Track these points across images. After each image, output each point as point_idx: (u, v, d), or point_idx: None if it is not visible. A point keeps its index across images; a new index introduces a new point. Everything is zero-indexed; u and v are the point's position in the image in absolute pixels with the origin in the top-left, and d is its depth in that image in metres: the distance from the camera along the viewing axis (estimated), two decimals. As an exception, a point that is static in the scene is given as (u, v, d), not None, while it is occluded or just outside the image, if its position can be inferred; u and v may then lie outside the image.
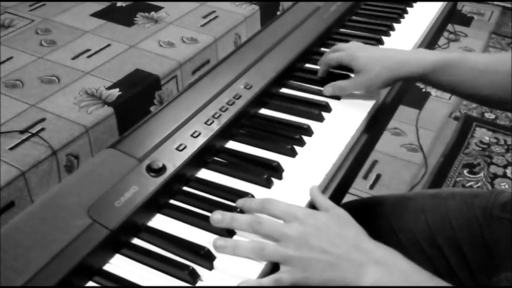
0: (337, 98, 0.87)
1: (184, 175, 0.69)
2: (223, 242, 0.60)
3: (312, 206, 0.66)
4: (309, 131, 0.79)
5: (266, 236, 0.60)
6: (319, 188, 0.68)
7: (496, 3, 2.93)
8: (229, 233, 0.62)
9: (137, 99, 1.50)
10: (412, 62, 0.81)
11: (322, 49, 1.01)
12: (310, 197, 0.67)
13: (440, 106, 2.19)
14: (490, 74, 0.78)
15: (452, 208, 0.86)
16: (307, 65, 0.96)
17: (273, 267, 0.59)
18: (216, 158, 0.74)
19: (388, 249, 0.58)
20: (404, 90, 0.98)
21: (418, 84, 2.15)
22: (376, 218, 0.91)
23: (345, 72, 0.90)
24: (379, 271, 0.56)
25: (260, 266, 0.58)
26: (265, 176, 0.69)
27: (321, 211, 0.63)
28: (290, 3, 1.15)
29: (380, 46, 1.02)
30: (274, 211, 0.61)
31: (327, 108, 0.84)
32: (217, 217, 0.61)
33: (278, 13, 2.03)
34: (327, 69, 0.90)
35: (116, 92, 1.47)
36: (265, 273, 0.59)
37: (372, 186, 1.81)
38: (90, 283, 0.57)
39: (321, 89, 0.87)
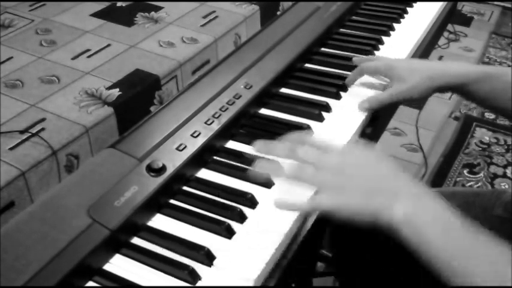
0: (338, 97, 0.87)
1: (184, 175, 0.69)
2: (265, 163, 0.63)
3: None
4: (308, 131, 0.79)
5: (305, 162, 0.61)
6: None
7: (496, 3, 2.93)
8: (229, 232, 0.62)
9: (137, 99, 1.50)
10: (453, 72, 0.81)
11: (323, 49, 1.01)
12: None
13: (440, 106, 2.19)
14: None
15: (453, 207, 0.86)
16: (307, 65, 0.96)
17: (279, 262, 0.60)
18: (216, 158, 0.74)
19: (422, 185, 0.59)
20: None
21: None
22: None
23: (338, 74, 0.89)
24: (412, 202, 0.56)
25: (260, 266, 0.58)
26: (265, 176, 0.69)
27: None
28: (290, 3, 1.15)
29: (380, 46, 1.02)
30: (314, 141, 0.63)
31: (327, 108, 0.84)
32: (259, 144, 0.64)
33: (278, 13, 2.03)
34: (358, 78, 0.89)
35: (116, 92, 1.47)
36: (265, 276, 0.59)
37: (371, 186, 1.81)
38: (90, 283, 0.57)
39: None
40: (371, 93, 0.87)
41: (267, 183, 0.69)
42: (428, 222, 0.55)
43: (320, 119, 0.82)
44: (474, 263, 0.53)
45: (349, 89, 0.90)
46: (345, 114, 0.83)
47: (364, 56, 0.93)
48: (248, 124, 0.81)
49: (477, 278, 0.52)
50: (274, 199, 0.61)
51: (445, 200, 0.59)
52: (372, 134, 0.85)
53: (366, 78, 0.91)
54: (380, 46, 1.02)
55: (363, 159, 0.61)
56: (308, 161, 0.61)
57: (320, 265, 1.41)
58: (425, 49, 1.06)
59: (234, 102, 0.79)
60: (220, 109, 0.77)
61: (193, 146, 0.71)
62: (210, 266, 0.58)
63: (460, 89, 0.82)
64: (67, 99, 1.43)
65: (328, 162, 0.60)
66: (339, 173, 0.59)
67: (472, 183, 1.82)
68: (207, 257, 0.59)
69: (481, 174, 1.85)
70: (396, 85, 0.82)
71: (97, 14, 1.87)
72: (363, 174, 0.59)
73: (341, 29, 1.08)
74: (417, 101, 0.85)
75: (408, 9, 1.15)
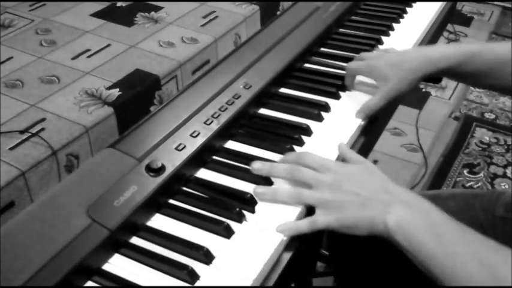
0: (337, 97, 0.87)
1: (183, 175, 0.69)
2: (263, 189, 0.66)
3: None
4: (308, 131, 0.79)
5: (302, 184, 0.65)
6: (347, 145, 0.75)
7: (496, 3, 2.93)
8: (228, 232, 0.62)
9: (137, 99, 1.50)
10: (433, 59, 0.80)
11: (322, 49, 1.01)
12: (340, 152, 0.72)
13: (440, 106, 2.19)
14: None
15: (453, 209, 0.86)
16: (307, 65, 0.96)
17: (279, 262, 0.60)
18: (215, 158, 0.74)
19: (412, 193, 0.63)
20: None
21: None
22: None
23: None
24: (403, 210, 0.59)
25: (259, 266, 0.58)
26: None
27: (351, 164, 0.69)
28: (290, 3, 1.15)
29: (379, 46, 1.02)
30: (310, 162, 0.66)
31: (326, 108, 0.84)
32: (258, 166, 0.68)
33: (278, 13, 2.03)
34: (353, 79, 0.89)
35: (116, 92, 1.47)
36: (264, 276, 0.59)
37: (371, 186, 1.81)
38: (90, 283, 0.57)
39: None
40: (370, 92, 0.87)
41: (267, 183, 0.69)
42: (419, 227, 0.58)
43: (319, 119, 0.82)
44: (467, 265, 0.54)
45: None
46: (344, 114, 0.83)
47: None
48: (247, 124, 0.81)
49: (471, 279, 0.53)
50: (276, 226, 0.63)
51: (437, 205, 0.60)
52: (371, 134, 0.85)
53: (365, 78, 0.91)
54: (380, 46, 1.02)
55: (356, 174, 0.65)
56: (306, 181, 0.65)
57: (320, 265, 1.41)
58: (424, 49, 1.06)
59: (233, 102, 0.79)
60: (219, 109, 0.78)
61: (193, 145, 0.71)
62: (209, 266, 0.58)
63: (445, 73, 0.82)
64: (67, 99, 1.43)
65: (325, 180, 0.64)
66: (335, 190, 0.63)
67: (472, 183, 1.82)
68: (206, 257, 0.59)
69: (481, 174, 1.85)
70: (382, 85, 0.82)
71: (97, 14, 1.87)
72: (357, 189, 0.63)
73: (340, 29, 1.08)
74: (409, 93, 0.85)
75: (408, 9, 1.16)
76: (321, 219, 0.62)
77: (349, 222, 0.62)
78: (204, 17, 1.88)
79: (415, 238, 0.57)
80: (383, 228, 0.60)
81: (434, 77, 0.84)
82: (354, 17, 1.13)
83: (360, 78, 0.90)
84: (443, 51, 0.81)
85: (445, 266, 0.55)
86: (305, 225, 0.63)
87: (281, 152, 0.74)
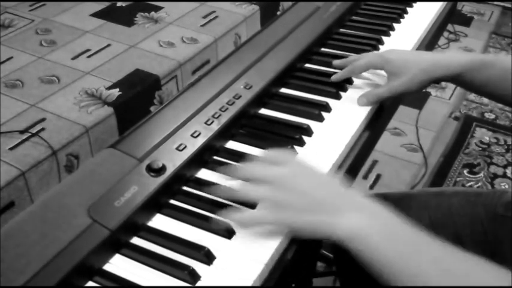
0: (337, 97, 0.87)
1: (184, 175, 0.69)
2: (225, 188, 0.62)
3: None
4: (308, 131, 0.79)
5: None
6: None
7: (496, 3, 2.93)
8: (229, 232, 0.62)
9: (137, 99, 1.50)
10: (446, 63, 0.81)
11: (322, 49, 1.01)
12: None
13: (440, 106, 2.19)
14: None
15: (456, 205, 0.86)
16: (307, 65, 0.96)
17: (279, 262, 0.60)
18: (216, 158, 0.74)
19: (365, 197, 0.59)
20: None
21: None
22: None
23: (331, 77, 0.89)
24: (357, 216, 0.56)
25: (260, 266, 0.58)
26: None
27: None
28: (290, 3, 1.15)
29: (380, 46, 1.02)
30: (265, 157, 0.63)
31: (327, 108, 0.84)
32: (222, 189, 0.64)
33: (278, 13, 2.03)
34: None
35: (116, 92, 1.47)
36: (264, 276, 0.59)
37: (371, 186, 1.81)
38: (90, 283, 0.57)
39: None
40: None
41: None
42: (375, 232, 0.55)
43: (320, 119, 0.82)
44: (428, 269, 0.52)
45: (349, 89, 0.90)
46: (345, 114, 0.83)
47: (344, 60, 0.91)
48: (248, 124, 0.81)
49: (428, 279, 0.51)
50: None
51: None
52: (372, 134, 0.85)
53: (366, 76, 0.91)
54: (380, 46, 1.02)
55: (307, 176, 0.61)
56: (254, 178, 0.60)
57: (320, 265, 1.41)
58: (425, 49, 1.06)
59: (234, 103, 0.79)
60: (220, 109, 0.77)
61: (193, 146, 0.71)
62: (209, 266, 0.58)
63: (455, 79, 0.82)
64: (67, 99, 1.43)
65: (270, 175, 0.60)
66: (279, 188, 0.59)
67: (472, 183, 1.82)
68: (206, 257, 0.59)
69: (481, 174, 1.85)
70: (393, 79, 0.82)
71: (97, 14, 1.87)
72: (305, 190, 0.58)
73: (341, 29, 1.08)
74: (415, 93, 0.85)
75: (408, 9, 1.16)
76: (266, 216, 0.59)
77: (299, 225, 0.58)
78: (204, 17, 1.88)
79: (370, 246, 0.54)
80: (335, 236, 0.56)
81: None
82: (354, 17, 1.13)
83: (363, 75, 0.90)
84: (457, 57, 0.81)
85: (403, 271, 0.52)
86: (249, 219, 0.60)
87: (282, 152, 0.74)
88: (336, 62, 0.91)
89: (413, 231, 0.55)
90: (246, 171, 0.62)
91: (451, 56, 0.82)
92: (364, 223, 0.55)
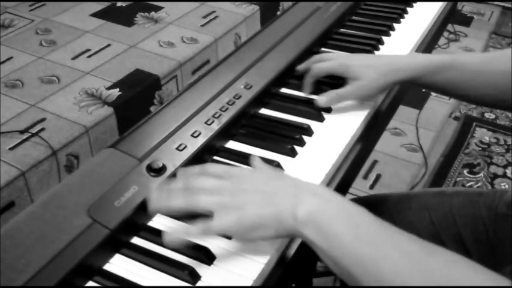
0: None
1: (184, 175, 0.69)
2: (158, 195, 0.60)
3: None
4: (309, 131, 0.79)
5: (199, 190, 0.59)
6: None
7: (496, 3, 2.93)
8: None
9: (137, 99, 1.50)
10: (405, 66, 0.81)
11: (323, 49, 1.01)
12: (251, 163, 0.66)
13: (440, 106, 2.19)
14: (484, 74, 0.80)
15: (457, 205, 0.86)
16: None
17: (279, 262, 0.59)
18: (216, 158, 0.74)
19: (323, 186, 0.59)
20: (404, 90, 0.98)
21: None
22: (379, 215, 0.91)
23: (331, 81, 0.88)
24: (314, 200, 0.55)
25: (260, 266, 0.58)
26: (265, 176, 0.69)
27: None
28: (290, 3, 1.15)
29: (380, 46, 1.02)
30: (213, 171, 0.61)
31: (327, 108, 0.84)
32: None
33: (278, 13, 2.03)
34: (314, 81, 0.88)
35: (116, 92, 1.47)
36: (265, 276, 0.59)
37: (371, 186, 1.81)
38: (90, 283, 0.57)
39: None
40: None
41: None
42: (333, 217, 0.54)
43: (320, 119, 0.82)
44: (390, 256, 0.50)
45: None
46: (345, 114, 0.83)
47: (306, 62, 0.90)
48: (248, 124, 0.81)
49: (395, 272, 0.49)
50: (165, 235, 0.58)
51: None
52: (372, 134, 0.85)
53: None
54: (380, 46, 1.02)
55: (261, 174, 0.61)
56: (203, 189, 0.59)
57: (320, 265, 1.41)
58: (425, 49, 1.06)
59: (234, 103, 0.79)
60: (220, 109, 0.77)
61: (194, 146, 0.71)
62: (210, 266, 0.58)
63: (415, 82, 0.82)
64: (67, 99, 1.43)
65: (225, 185, 0.59)
66: (235, 191, 0.58)
67: (472, 183, 1.82)
68: (207, 257, 0.58)
69: (481, 174, 1.85)
70: (352, 83, 0.82)
71: (97, 14, 1.88)
72: (261, 187, 0.58)
73: (341, 29, 1.08)
74: (374, 97, 0.85)
75: (408, 9, 1.15)
76: (217, 223, 0.56)
77: (251, 221, 0.55)
78: (204, 17, 1.88)
79: (330, 229, 0.53)
80: (291, 223, 0.54)
81: None
82: (354, 17, 1.13)
83: None
84: (413, 61, 0.82)
85: (363, 260, 0.51)
86: (196, 232, 0.57)
87: (282, 152, 0.74)
88: (299, 66, 0.90)
89: (378, 221, 0.54)
90: (201, 183, 0.60)
91: (410, 60, 0.83)
92: (325, 207, 0.55)
